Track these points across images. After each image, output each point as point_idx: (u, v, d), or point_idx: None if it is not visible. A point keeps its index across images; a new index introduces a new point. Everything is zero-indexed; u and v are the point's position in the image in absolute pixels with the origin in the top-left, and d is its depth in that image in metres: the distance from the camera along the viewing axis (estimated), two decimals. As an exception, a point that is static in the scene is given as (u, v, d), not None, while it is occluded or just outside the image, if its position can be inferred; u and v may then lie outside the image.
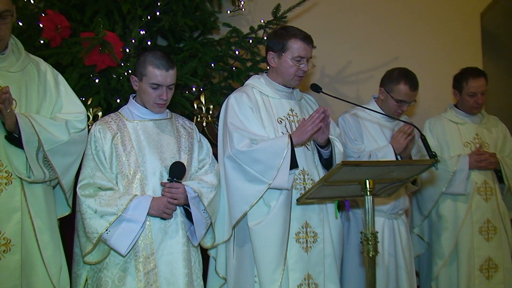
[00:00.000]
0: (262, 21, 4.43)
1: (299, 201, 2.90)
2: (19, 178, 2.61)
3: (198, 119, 3.92)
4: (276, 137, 3.06)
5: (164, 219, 2.78)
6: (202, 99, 3.94)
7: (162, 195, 2.78)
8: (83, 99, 3.66)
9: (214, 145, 3.30)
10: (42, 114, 2.72)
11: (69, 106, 2.85)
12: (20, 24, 3.82)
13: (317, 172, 3.16)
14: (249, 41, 4.43)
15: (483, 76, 3.99)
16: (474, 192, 3.91)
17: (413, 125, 3.18)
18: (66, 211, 2.97)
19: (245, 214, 3.04)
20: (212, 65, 4.28)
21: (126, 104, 3.04)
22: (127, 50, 3.91)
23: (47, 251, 2.68)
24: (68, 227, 3.03)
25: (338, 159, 3.17)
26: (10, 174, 2.60)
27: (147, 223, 2.76)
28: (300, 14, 4.75)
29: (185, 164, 2.89)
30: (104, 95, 3.78)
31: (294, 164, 3.00)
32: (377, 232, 2.49)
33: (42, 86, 2.79)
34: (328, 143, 3.17)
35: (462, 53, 5.31)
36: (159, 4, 4.13)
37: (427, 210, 4.03)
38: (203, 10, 4.51)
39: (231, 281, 3.12)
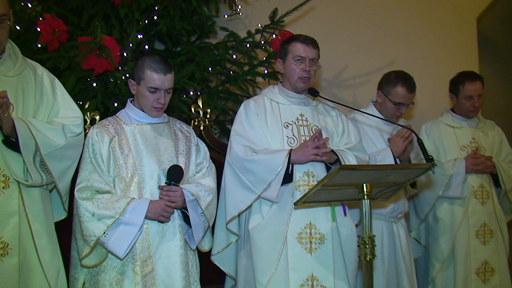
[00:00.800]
0: (259, 25, 4.44)
1: (297, 205, 2.90)
2: (17, 181, 2.61)
3: (196, 123, 3.92)
4: (276, 150, 3.09)
5: (162, 222, 2.78)
6: (200, 103, 3.94)
7: (160, 198, 2.78)
8: (81, 102, 3.66)
9: (211, 149, 3.31)
10: (38, 119, 2.72)
11: (66, 110, 2.85)
12: (18, 28, 3.81)
13: (323, 173, 3.16)
14: (246, 45, 4.44)
15: (479, 79, 4.01)
16: (471, 195, 3.92)
17: (411, 129, 3.20)
18: (62, 215, 2.97)
19: (234, 218, 3.12)
20: (210, 69, 4.28)
21: (123, 108, 3.03)
22: (125, 54, 3.91)
23: (44, 255, 2.68)
24: (65, 231, 3.03)
25: None
26: (7, 178, 2.59)
27: (145, 226, 2.75)
28: (297, 18, 4.77)
29: (183, 167, 2.89)
30: (101, 99, 3.77)
31: (290, 178, 3.05)
32: (374, 235, 2.49)
33: (39, 90, 2.79)
34: (336, 159, 3.18)
35: (458, 57, 5.32)
36: (156, 8, 4.13)
37: (424, 213, 4.04)
38: (201, 14, 4.51)
39: (241, 281, 3.16)
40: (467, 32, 5.48)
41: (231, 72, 4.40)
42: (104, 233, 2.64)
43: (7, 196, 2.58)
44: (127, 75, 3.71)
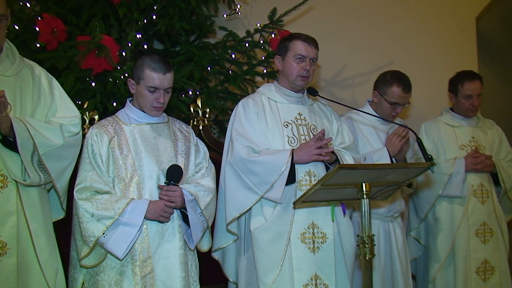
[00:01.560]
0: (258, 24, 4.44)
1: (296, 204, 2.91)
2: (15, 181, 2.60)
3: (195, 123, 3.92)
4: (278, 150, 3.08)
5: (161, 222, 2.78)
6: (199, 103, 3.95)
7: (160, 198, 2.77)
8: (79, 102, 3.66)
9: (210, 148, 3.31)
10: (36, 118, 2.72)
11: (64, 110, 2.85)
12: (16, 27, 3.80)
13: (324, 173, 3.15)
14: (245, 44, 4.44)
15: (478, 78, 4.02)
16: (471, 194, 3.92)
17: (409, 128, 3.19)
18: (61, 215, 2.97)
19: (235, 219, 3.10)
20: (209, 68, 4.28)
21: (122, 108, 3.03)
22: (124, 54, 3.91)
23: (43, 255, 2.67)
24: (63, 230, 3.03)
25: None
26: (5, 178, 2.59)
27: (144, 226, 2.75)
28: (296, 18, 4.77)
29: (182, 167, 2.89)
30: (100, 98, 3.77)
31: (292, 178, 3.04)
32: (373, 235, 2.49)
33: (37, 90, 2.79)
34: (336, 159, 3.18)
35: (457, 57, 5.32)
36: (155, 8, 4.13)
37: (423, 213, 4.04)
38: (200, 14, 4.51)
39: (243, 282, 3.16)
40: (466, 31, 5.47)
41: (230, 71, 4.40)
42: (103, 233, 2.63)
43: (5, 195, 2.58)
44: (126, 75, 3.71)
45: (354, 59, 5.15)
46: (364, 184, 2.46)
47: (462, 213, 3.91)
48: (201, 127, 3.93)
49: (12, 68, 2.72)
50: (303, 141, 3.15)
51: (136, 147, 2.85)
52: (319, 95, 3.24)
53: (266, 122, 3.18)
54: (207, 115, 3.99)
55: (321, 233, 3.10)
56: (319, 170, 3.14)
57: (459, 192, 3.89)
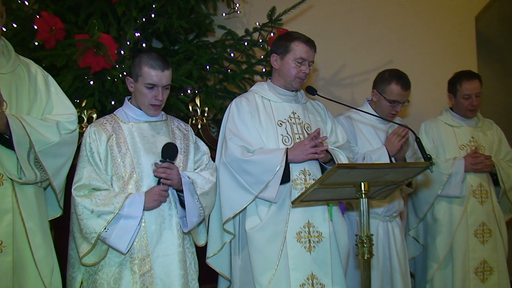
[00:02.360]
0: (257, 23, 4.43)
1: (294, 203, 2.90)
2: (10, 179, 2.60)
3: (193, 122, 3.92)
4: (272, 150, 3.07)
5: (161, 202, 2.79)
6: (197, 102, 3.94)
7: (155, 176, 2.77)
8: (78, 101, 3.65)
9: (209, 147, 3.29)
10: (32, 116, 2.71)
11: (60, 107, 2.85)
12: (15, 25, 3.79)
13: (318, 172, 3.16)
14: (244, 43, 4.42)
15: (477, 78, 4.01)
16: (470, 195, 3.92)
17: (408, 128, 3.18)
18: (58, 213, 2.96)
19: (229, 220, 3.09)
20: (207, 67, 4.27)
21: (121, 106, 3.03)
22: (122, 52, 3.90)
23: (39, 253, 2.67)
24: (61, 230, 3.02)
25: None
26: (1, 176, 2.59)
27: (143, 224, 2.75)
28: (295, 17, 4.76)
29: (181, 165, 2.89)
30: (98, 97, 3.76)
31: (287, 177, 3.03)
32: (372, 234, 2.48)
33: (33, 87, 2.78)
34: (330, 159, 3.18)
35: (456, 57, 5.32)
36: (154, 6, 4.11)
37: (422, 212, 4.04)
38: (198, 12, 4.50)
39: (237, 282, 3.15)
40: (465, 31, 5.48)
41: (229, 70, 4.38)
42: (105, 228, 2.63)
43: (1, 194, 2.58)
44: (125, 73, 3.70)
45: (353, 58, 5.15)
46: (362, 184, 2.46)
47: (461, 213, 3.91)
48: (199, 126, 3.92)
49: (8, 66, 2.71)
50: (297, 140, 3.14)
51: (135, 145, 2.84)
52: (318, 94, 3.23)
53: (260, 121, 3.16)
54: (205, 114, 3.98)
55: (317, 232, 3.09)
56: (314, 169, 3.13)
57: (458, 192, 3.88)
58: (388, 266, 3.55)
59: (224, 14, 4.71)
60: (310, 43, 3.18)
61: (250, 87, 3.51)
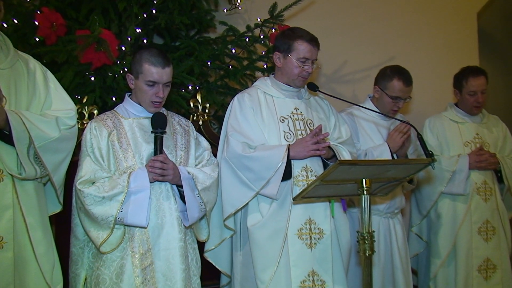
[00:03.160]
0: (258, 19, 4.42)
1: (295, 200, 2.89)
2: (10, 175, 2.59)
3: (194, 118, 3.91)
4: (274, 146, 3.06)
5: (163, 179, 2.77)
6: (198, 98, 3.93)
7: (150, 171, 2.72)
8: (79, 97, 3.65)
9: (210, 143, 3.29)
10: (32, 111, 2.70)
11: (59, 102, 2.83)
12: (16, 21, 3.78)
13: (320, 169, 3.15)
14: (245, 39, 4.42)
15: (483, 74, 3.98)
16: (474, 192, 3.90)
17: (410, 124, 3.17)
18: (57, 208, 2.95)
19: (230, 216, 3.09)
20: (209, 63, 4.27)
21: (121, 103, 3.02)
22: (123, 48, 3.89)
23: (39, 248, 2.67)
24: (62, 226, 3.01)
25: None
26: (1, 172, 2.57)
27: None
28: (297, 13, 4.75)
29: (181, 161, 2.88)
30: (99, 93, 3.76)
31: (288, 174, 3.02)
32: (373, 231, 2.48)
33: (32, 83, 2.77)
34: (333, 155, 3.17)
35: (458, 53, 5.31)
36: (155, 2, 4.11)
37: (426, 209, 4.03)
38: (200, 8, 4.50)
39: (238, 277, 3.15)
40: (467, 27, 5.46)
41: (230, 66, 4.38)
42: (120, 209, 2.64)
43: (1, 189, 2.57)
44: (126, 69, 3.70)
45: (355, 55, 5.14)
46: (364, 180, 2.45)
47: (464, 211, 3.90)
48: (200, 122, 3.92)
49: (7, 61, 2.69)
50: (299, 136, 3.12)
51: (136, 140, 2.84)
52: (319, 91, 3.21)
53: (262, 117, 3.15)
54: (206, 110, 3.98)
55: (318, 229, 3.08)
56: (315, 166, 3.12)
57: (462, 190, 3.87)
58: (390, 263, 3.55)
59: (225, 10, 4.71)
60: (313, 41, 3.13)
61: (252, 84, 3.52)
